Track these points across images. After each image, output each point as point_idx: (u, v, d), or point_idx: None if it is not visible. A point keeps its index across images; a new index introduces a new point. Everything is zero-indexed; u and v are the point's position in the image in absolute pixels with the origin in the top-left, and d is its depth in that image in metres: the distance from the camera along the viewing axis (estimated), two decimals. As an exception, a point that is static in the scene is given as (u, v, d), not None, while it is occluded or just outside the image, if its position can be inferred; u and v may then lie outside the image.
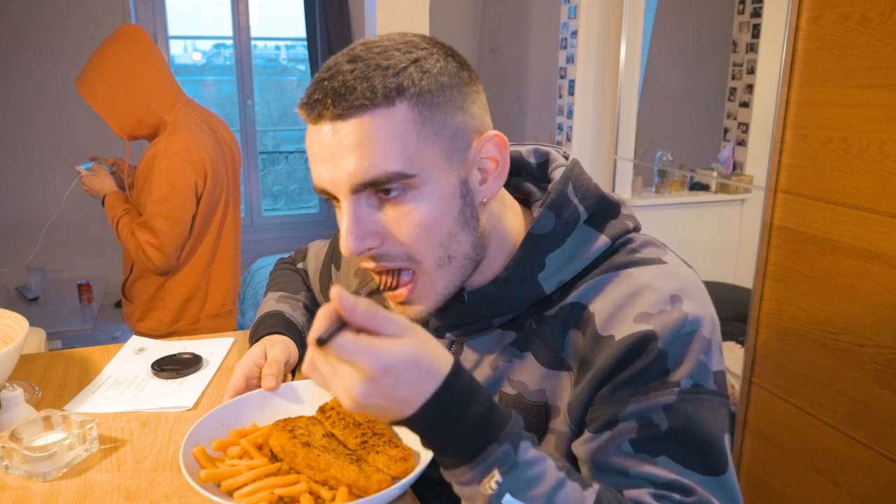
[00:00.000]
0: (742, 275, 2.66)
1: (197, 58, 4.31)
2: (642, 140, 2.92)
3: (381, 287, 0.70)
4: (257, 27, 4.08)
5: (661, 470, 0.63)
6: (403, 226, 0.66)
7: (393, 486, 0.71)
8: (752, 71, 2.89)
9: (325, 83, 0.64)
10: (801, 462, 1.61)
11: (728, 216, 3.04)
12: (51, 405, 0.99)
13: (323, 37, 3.91)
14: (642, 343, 0.65)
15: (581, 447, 0.69)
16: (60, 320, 2.81)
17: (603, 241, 0.73)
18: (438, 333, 0.80)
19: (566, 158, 0.78)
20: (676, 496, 0.62)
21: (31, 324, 1.05)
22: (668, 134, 3.08)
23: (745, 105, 2.96)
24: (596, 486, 0.63)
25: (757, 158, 2.87)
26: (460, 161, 0.68)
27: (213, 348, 1.19)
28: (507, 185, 0.77)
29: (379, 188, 0.65)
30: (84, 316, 2.89)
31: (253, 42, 4.07)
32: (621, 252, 0.73)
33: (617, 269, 0.71)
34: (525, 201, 0.81)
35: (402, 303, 0.71)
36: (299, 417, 0.82)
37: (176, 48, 4.16)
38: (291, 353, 0.97)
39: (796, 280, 1.58)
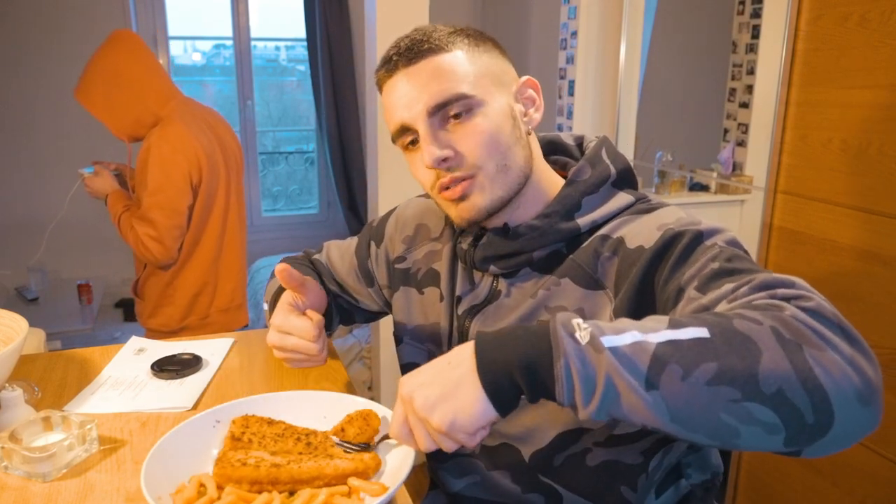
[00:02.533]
0: (742, 275, 2.64)
1: (197, 58, 4.31)
2: (642, 140, 2.92)
3: (444, 191, 0.84)
4: (257, 27, 4.08)
5: (727, 287, 0.66)
6: (470, 138, 0.81)
7: (404, 463, 0.75)
8: (751, 72, 2.89)
9: (398, 44, 0.83)
10: (802, 462, 1.61)
11: (728, 217, 3.04)
12: (50, 406, 0.99)
13: (323, 37, 3.90)
14: (671, 237, 0.76)
15: None
16: (60, 321, 2.81)
17: (628, 197, 0.86)
18: (484, 265, 0.90)
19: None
20: (744, 288, 0.65)
21: (31, 324, 1.05)
22: (667, 134, 3.08)
23: (744, 106, 2.96)
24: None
25: (757, 159, 2.87)
26: (506, 93, 0.85)
27: (212, 349, 1.19)
28: (549, 161, 0.93)
29: (448, 111, 0.81)
30: (84, 316, 2.88)
31: (253, 42, 4.07)
32: (643, 205, 0.86)
33: (641, 212, 0.84)
34: (565, 177, 0.92)
35: (459, 199, 0.83)
36: (224, 455, 0.78)
37: (176, 48, 4.16)
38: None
39: (796, 280, 1.58)
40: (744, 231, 3.01)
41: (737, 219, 3.05)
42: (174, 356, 1.14)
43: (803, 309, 0.59)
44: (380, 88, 0.87)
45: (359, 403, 0.89)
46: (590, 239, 0.84)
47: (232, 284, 1.99)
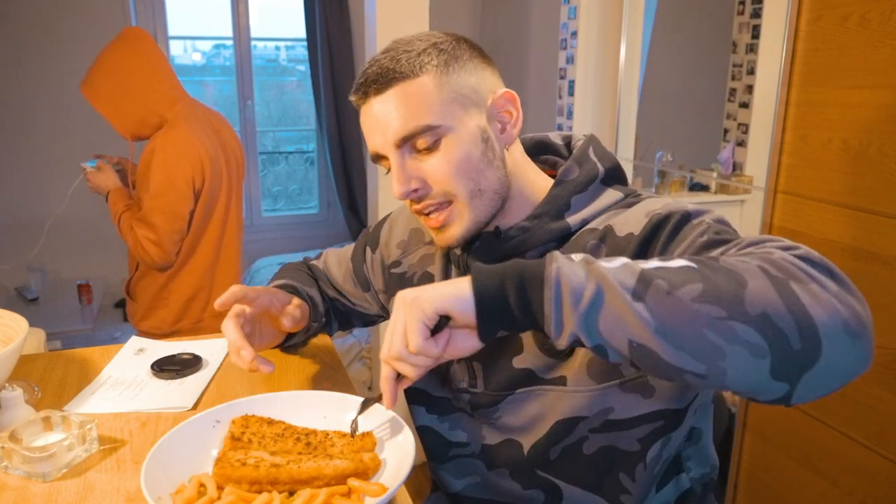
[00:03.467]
0: (742, 275, 2.64)
1: (197, 58, 4.31)
2: (642, 140, 2.92)
3: (423, 216, 0.86)
4: (257, 27, 4.08)
5: (714, 255, 0.68)
6: (439, 168, 0.82)
7: (403, 462, 0.75)
8: (751, 72, 2.89)
9: (367, 70, 0.83)
10: (801, 462, 1.61)
11: (728, 217, 3.03)
12: (50, 405, 0.99)
13: (323, 37, 3.90)
14: (659, 220, 0.77)
15: None
16: (60, 320, 2.81)
17: (616, 194, 0.87)
18: None
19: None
20: (733, 249, 0.67)
21: (31, 324, 1.05)
22: (667, 134, 3.08)
23: (744, 106, 2.96)
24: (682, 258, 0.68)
25: (757, 159, 2.87)
26: (478, 113, 0.84)
27: (212, 349, 1.19)
28: (538, 162, 0.93)
29: (415, 142, 0.81)
30: (84, 316, 2.88)
31: (253, 42, 4.07)
32: (632, 200, 0.86)
33: (629, 205, 0.84)
34: (553, 177, 0.92)
35: (440, 228, 0.85)
36: (224, 455, 0.78)
37: (176, 48, 4.16)
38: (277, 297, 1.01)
39: (796, 280, 1.58)
40: (744, 231, 3.00)
41: (737, 219, 3.05)
42: (174, 356, 1.14)
43: (792, 253, 0.61)
44: (356, 107, 0.87)
45: (359, 403, 0.89)
46: (578, 232, 0.85)
47: (227, 289, 1.98)
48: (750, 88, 2.93)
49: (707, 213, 0.78)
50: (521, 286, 0.65)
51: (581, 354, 0.83)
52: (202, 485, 0.73)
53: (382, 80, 0.81)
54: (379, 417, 0.86)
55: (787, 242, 0.65)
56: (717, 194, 3.06)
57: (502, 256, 0.85)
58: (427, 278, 0.99)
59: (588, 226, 0.85)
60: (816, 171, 1.53)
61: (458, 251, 0.92)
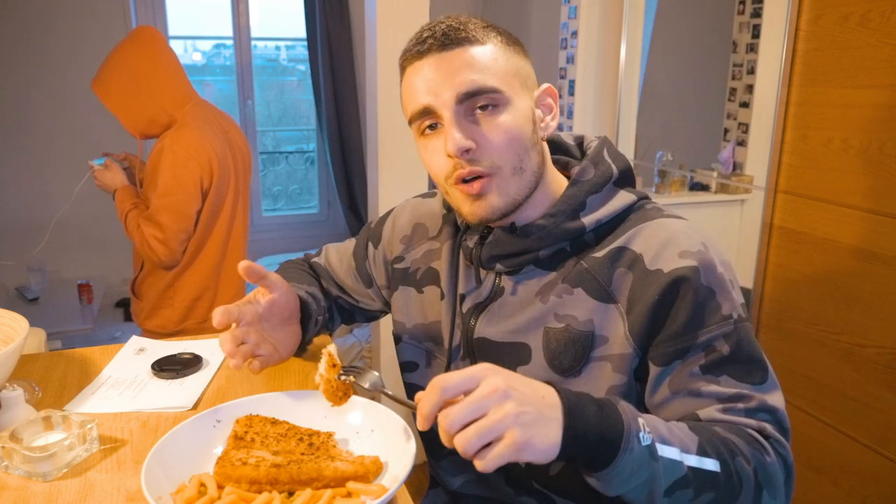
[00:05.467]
0: (742, 275, 2.64)
1: (197, 58, 4.31)
2: (642, 140, 2.92)
3: (462, 184, 0.83)
4: (257, 27, 4.07)
5: (724, 387, 0.78)
6: (494, 133, 0.81)
7: (404, 461, 0.75)
8: (752, 71, 2.89)
9: (433, 28, 0.83)
10: (801, 462, 1.61)
11: (728, 216, 3.03)
12: (51, 405, 0.99)
13: (323, 37, 3.90)
14: (689, 277, 0.79)
15: (657, 380, 0.81)
16: (60, 320, 2.81)
17: (630, 196, 0.88)
18: (489, 263, 0.91)
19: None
20: (740, 405, 0.78)
21: (31, 324, 1.05)
22: (668, 134, 3.08)
23: (745, 105, 2.96)
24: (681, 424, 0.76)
25: (757, 159, 2.86)
26: (529, 96, 0.86)
27: (213, 348, 1.19)
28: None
29: (475, 102, 0.81)
30: (84, 316, 2.88)
31: (253, 42, 4.07)
32: (648, 209, 0.88)
33: (651, 219, 0.85)
34: (567, 177, 0.93)
35: (477, 195, 0.83)
36: (225, 454, 0.79)
37: (176, 48, 4.14)
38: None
39: (796, 280, 1.58)
40: (744, 231, 3.00)
41: (737, 219, 3.05)
42: (174, 356, 1.13)
43: (779, 455, 0.76)
44: (403, 69, 0.86)
45: (359, 403, 0.89)
46: (605, 250, 0.85)
47: (233, 290, 1.98)
48: (750, 88, 2.93)
49: (733, 293, 0.81)
50: (596, 452, 0.67)
51: (591, 381, 0.84)
52: (202, 484, 0.73)
53: (450, 38, 0.81)
54: (379, 418, 0.86)
55: (780, 428, 0.79)
56: (718, 194, 3.06)
57: (517, 252, 0.87)
58: (431, 274, 0.99)
59: (615, 243, 0.85)
60: (817, 171, 1.53)
61: (470, 243, 0.93)
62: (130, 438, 0.91)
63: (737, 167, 3.01)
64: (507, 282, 0.90)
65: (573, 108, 2.95)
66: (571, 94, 2.95)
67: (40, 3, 3.41)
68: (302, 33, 4.01)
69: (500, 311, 0.90)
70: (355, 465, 0.76)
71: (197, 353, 1.15)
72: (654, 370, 0.81)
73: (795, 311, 1.59)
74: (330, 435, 0.84)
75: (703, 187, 3.08)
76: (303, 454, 0.79)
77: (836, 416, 1.53)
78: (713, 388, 0.78)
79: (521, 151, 0.83)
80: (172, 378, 1.08)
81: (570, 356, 0.84)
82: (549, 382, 0.70)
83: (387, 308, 1.13)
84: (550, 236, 0.86)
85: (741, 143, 2.98)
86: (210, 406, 0.94)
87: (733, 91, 3.00)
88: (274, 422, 0.86)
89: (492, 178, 0.83)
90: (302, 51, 4.31)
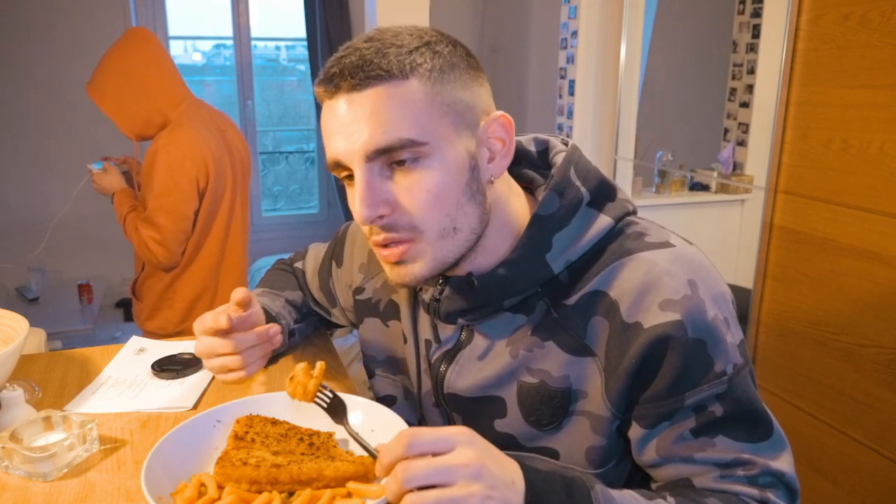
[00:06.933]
0: (742, 275, 2.65)
1: (197, 58, 4.31)
2: (642, 140, 2.92)
3: (379, 248, 0.73)
4: (257, 27, 4.08)
5: (720, 451, 0.70)
6: (414, 194, 0.68)
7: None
8: (752, 71, 2.89)
9: (343, 59, 0.68)
10: (801, 462, 1.61)
11: (728, 216, 3.04)
12: (51, 405, 0.99)
13: (323, 37, 3.90)
14: (672, 335, 0.68)
15: (643, 441, 0.73)
16: (60, 320, 2.81)
17: (606, 221, 0.75)
18: (450, 319, 0.80)
19: (565, 145, 0.80)
20: (740, 472, 0.70)
21: (31, 324, 1.05)
22: (668, 134, 3.08)
23: (745, 105, 2.96)
24: (671, 500, 0.68)
25: (757, 158, 2.87)
26: (469, 136, 0.70)
27: (213, 348, 1.19)
28: (510, 174, 0.79)
29: (391, 157, 0.67)
30: (84, 316, 2.89)
31: (253, 42, 4.07)
32: (628, 235, 0.75)
33: (629, 253, 0.73)
34: (528, 189, 0.82)
35: (396, 263, 0.72)
36: (226, 454, 0.78)
37: (176, 48, 4.16)
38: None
39: (796, 280, 1.58)
40: (744, 231, 3.01)
41: (737, 219, 3.05)
42: (174, 356, 1.13)
43: None
44: (320, 101, 0.72)
45: (359, 403, 0.89)
46: (578, 295, 0.74)
47: (233, 290, 1.98)
48: (750, 88, 2.93)
49: (732, 329, 0.71)
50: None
51: (573, 435, 0.77)
52: (203, 484, 0.73)
53: (363, 74, 0.66)
54: (380, 418, 0.86)
55: (782, 496, 0.71)
56: (718, 194, 3.06)
57: (477, 306, 0.77)
58: (393, 308, 0.92)
59: (588, 286, 0.73)
60: (817, 171, 1.53)
61: (426, 297, 0.82)
62: (130, 438, 0.91)
63: (737, 167, 3.01)
64: (473, 331, 0.81)
65: (573, 108, 2.95)
66: (571, 93, 2.95)
67: (40, 3, 3.41)
68: (302, 33, 4.01)
69: (469, 360, 0.81)
70: (356, 465, 0.76)
71: (197, 353, 1.15)
72: (638, 431, 0.73)
73: (795, 311, 1.60)
74: (330, 435, 0.84)
75: (704, 187, 3.08)
76: (303, 454, 0.79)
77: (837, 416, 1.53)
78: (708, 454, 0.70)
79: (450, 210, 0.69)
80: (172, 378, 1.08)
81: (547, 412, 0.76)
82: (520, 463, 0.63)
83: (355, 327, 1.07)
84: (513, 287, 0.74)
85: (741, 142, 2.98)
86: (210, 406, 0.94)
87: (733, 91, 3.00)
88: (274, 422, 0.86)
89: (413, 244, 0.70)
90: (302, 51, 4.32)
